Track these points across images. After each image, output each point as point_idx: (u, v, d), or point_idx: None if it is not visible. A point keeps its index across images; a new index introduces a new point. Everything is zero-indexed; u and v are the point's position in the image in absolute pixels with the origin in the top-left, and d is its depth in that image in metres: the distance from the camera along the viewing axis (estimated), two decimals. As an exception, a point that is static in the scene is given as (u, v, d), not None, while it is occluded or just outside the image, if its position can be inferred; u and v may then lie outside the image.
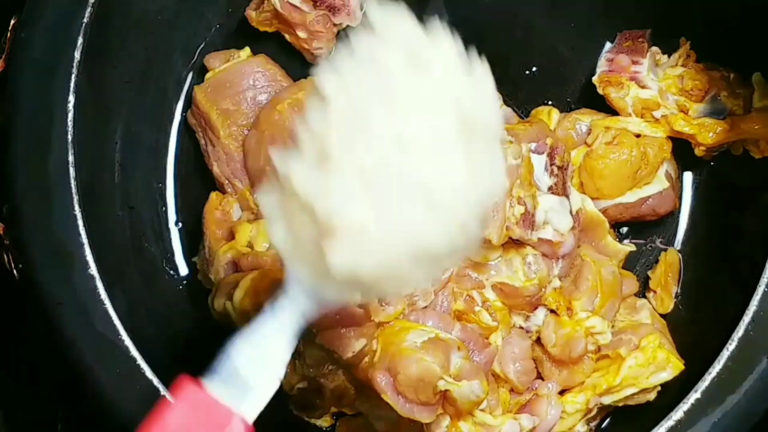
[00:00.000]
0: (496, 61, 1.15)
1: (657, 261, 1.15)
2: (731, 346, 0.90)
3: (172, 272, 1.17)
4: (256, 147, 1.12)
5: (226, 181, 1.15)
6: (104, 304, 0.94)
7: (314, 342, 0.98)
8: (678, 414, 0.90)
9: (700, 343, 1.06)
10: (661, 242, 1.16)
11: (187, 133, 1.19)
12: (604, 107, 1.14)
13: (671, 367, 1.03)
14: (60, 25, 0.98)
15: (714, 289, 1.11)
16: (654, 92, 1.10)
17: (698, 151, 1.10)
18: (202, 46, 1.20)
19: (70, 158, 0.95)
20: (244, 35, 1.20)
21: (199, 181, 1.19)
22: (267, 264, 1.04)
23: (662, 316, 1.12)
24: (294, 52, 1.20)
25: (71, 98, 0.96)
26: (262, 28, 1.18)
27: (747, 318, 0.90)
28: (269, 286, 0.99)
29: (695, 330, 1.10)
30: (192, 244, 1.17)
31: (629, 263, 1.14)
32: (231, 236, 1.09)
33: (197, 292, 1.15)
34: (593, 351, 1.05)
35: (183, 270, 1.18)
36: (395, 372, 0.94)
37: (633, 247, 1.12)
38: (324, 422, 1.11)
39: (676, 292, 1.14)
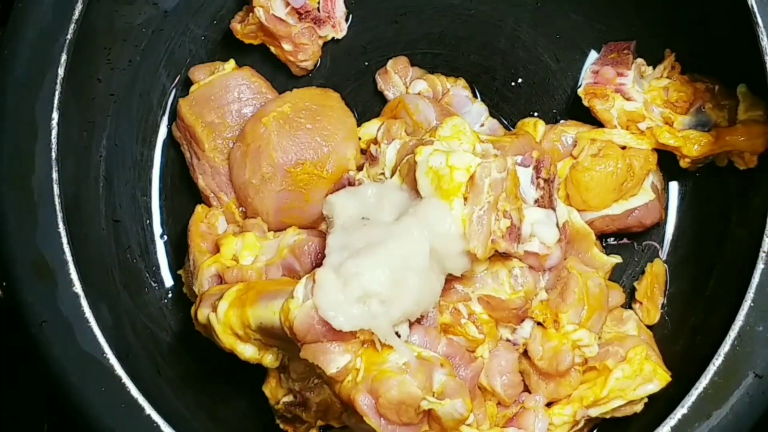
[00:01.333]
0: (482, 72, 1.19)
1: (643, 272, 1.15)
2: (717, 361, 0.90)
3: (156, 286, 1.17)
4: (241, 160, 1.12)
5: (212, 194, 1.15)
6: (89, 323, 0.94)
7: (299, 356, 0.98)
8: (665, 429, 0.90)
9: (687, 355, 1.06)
10: (646, 253, 1.16)
11: (172, 146, 1.19)
12: (590, 119, 1.14)
13: (658, 378, 1.03)
14: (43, 42, 0.98)
15: (700, 300, 1.11)
16: (639, 104, 1.10)
17: (683, 163, 1.11)
18: (187, 58, 1.20)
19: (54, 176, 0.95)
20: (229, 47, 1.20)
21: (184, 194, 1.18)
22: (252, 278, 1.04)
23: (649, 327, 1.12)
24: (279, 64, 1.20)
25: (55, 115, 0.96)
26: (247, 41, 1.18)
27: (733, 333, 0.90)
28: (255, 298, 0.98)
29: (682, 341, 1.10)
30: (177, 257, 1.17)
31: (615, 274, 1.14)
32: (216, 249, 1.09)
33: (182, 305, 1.15)
34: (580, 363, 1.05)
35: (168, 283, 1.17)
36: (377, 395, 0.94)
37: (619, 259, 1.12)
38: (311, 436, 1.11)
39: (663, 303, 1.14)
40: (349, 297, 0.93)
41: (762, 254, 0.90)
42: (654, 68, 1.14)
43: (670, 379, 1.02)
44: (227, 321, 0.99)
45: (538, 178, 1.04)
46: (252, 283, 1.03)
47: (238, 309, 0.99)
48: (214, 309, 1.00)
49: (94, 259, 1.08)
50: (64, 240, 0.94)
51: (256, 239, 1.08)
